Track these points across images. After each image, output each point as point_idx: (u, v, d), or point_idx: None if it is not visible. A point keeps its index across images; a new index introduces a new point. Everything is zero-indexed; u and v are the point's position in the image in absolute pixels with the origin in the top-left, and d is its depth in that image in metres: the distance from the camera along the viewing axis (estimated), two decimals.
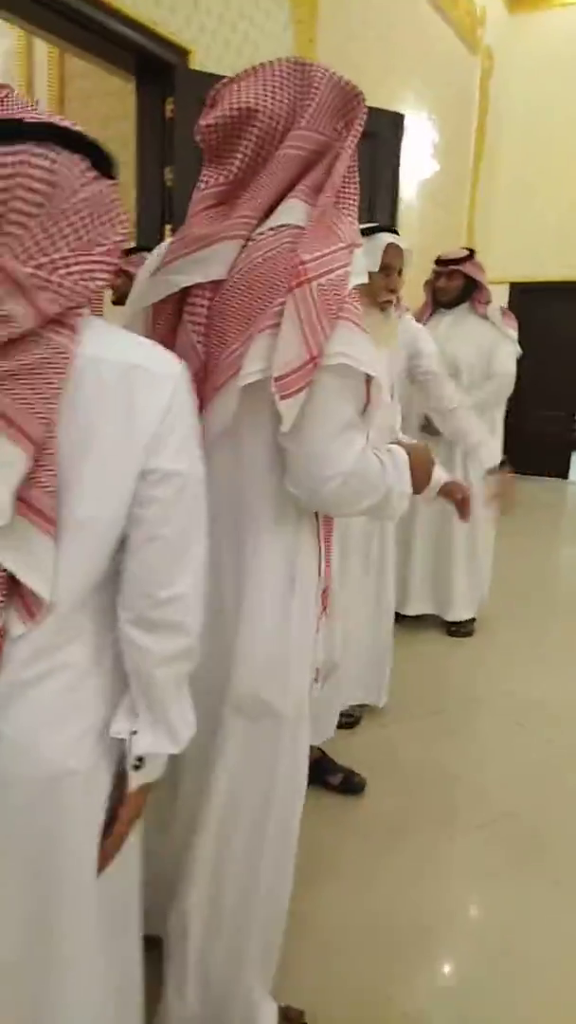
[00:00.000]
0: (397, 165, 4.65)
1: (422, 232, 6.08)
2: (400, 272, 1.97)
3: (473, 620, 3.72)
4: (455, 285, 3.48)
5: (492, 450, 2.59)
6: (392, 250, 1.92)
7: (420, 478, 1.29)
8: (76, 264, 0.77)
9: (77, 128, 0.77)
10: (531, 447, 8.64)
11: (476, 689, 3.12)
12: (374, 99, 1.53)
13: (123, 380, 0.81)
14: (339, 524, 1.73)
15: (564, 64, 7.48)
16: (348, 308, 1.06)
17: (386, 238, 1.93)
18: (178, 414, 0.86)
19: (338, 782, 2.28)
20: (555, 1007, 1.58)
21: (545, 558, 5.52)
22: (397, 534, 2.68)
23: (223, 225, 1.12)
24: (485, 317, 3.48)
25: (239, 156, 1.12)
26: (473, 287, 3.49)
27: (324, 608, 1.33)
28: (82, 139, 0.77)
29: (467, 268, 3.44)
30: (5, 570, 0.78)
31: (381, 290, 1.92)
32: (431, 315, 3.61)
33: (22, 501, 0.76)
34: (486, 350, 3.50)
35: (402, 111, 5.16)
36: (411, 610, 3.62)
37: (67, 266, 0.76)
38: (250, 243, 1.12)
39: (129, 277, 2.82)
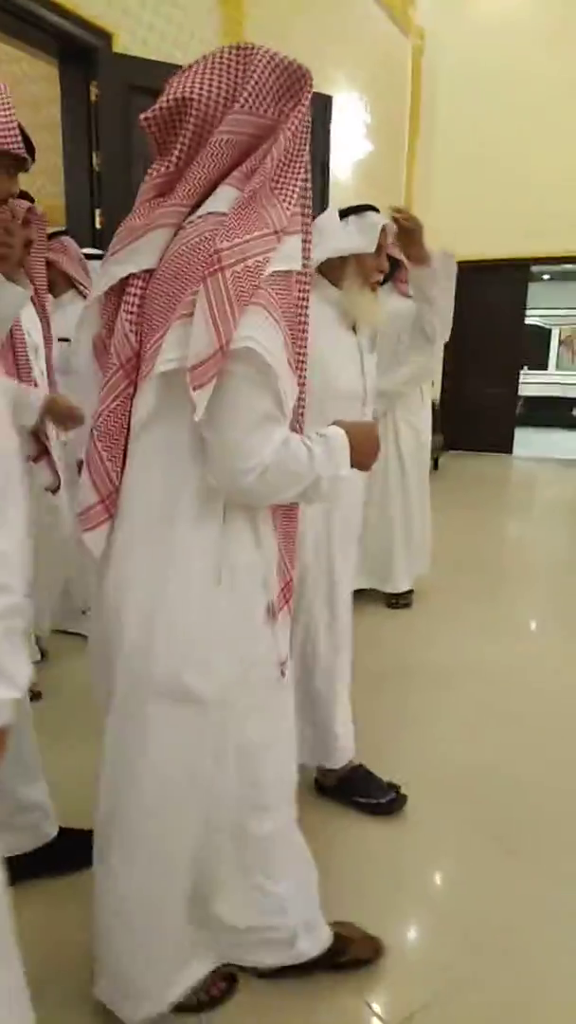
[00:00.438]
0: (327, 147, 4.70)
1: None
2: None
3: (411, 592, 3.83)
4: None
5: None
6: (385, 230, 1.93)
7: (365, 456, 1.30)
8: None
9: None
10: (475, 423, 8.84)
11: (412, 656, 3.22)
12: None
13: None
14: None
15: (496, 42, 7.57)
16: (263, 294, 1.04)
17: (379, 218, 1.92)
18: None
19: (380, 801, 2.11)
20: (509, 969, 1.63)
21: (487, 531, 5.66)
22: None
23: (155, 214, 1.13)
24: (407, 296, 3.55)
25: (178, 146, 1.13)
26: (395, 267, 3.55)
27: (286, 603, 1.31)
28: None
29: (389, 248, 3.49)
30: None
31: (373, 271, 1.91)
32: None
33: None
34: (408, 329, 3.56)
35: (334, 93, 5.22)
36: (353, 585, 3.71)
37: None
38: (180, 231, 1.13)
39: (51, 265, 2.82)
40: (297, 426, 1.25)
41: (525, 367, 9.83)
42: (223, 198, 1.11)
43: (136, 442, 1.19)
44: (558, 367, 14.38)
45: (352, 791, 2.11)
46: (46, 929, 1.62)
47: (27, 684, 0.94)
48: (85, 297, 2.98)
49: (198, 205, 1.14)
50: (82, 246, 3.18)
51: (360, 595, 3.67)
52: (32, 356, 2.38)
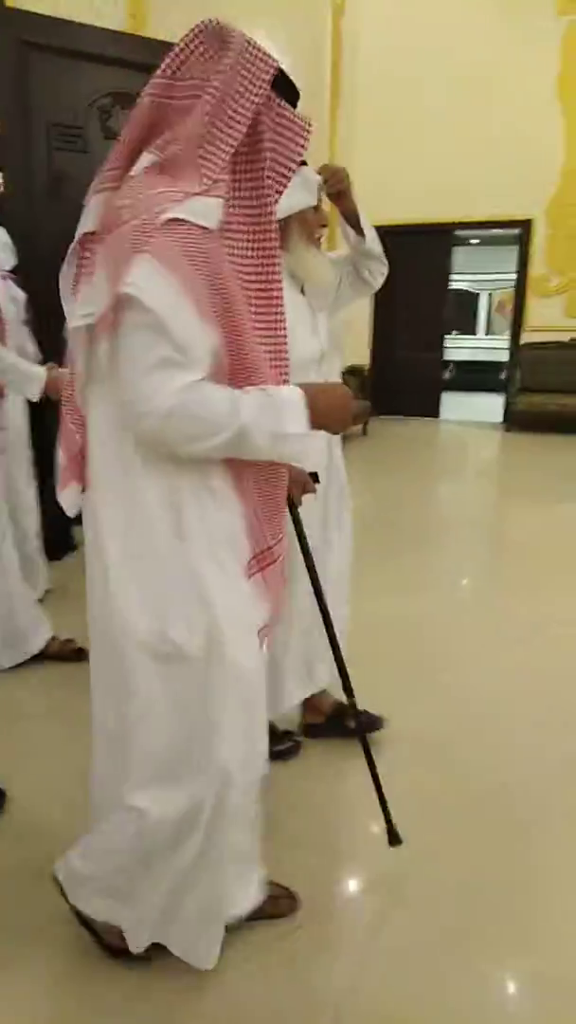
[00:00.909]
0: None
1: None
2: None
3: None
4: None
5: None
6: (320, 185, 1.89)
7: (331, 418, 1.24)
8: None
9: None
10: (403, 388, 8.96)
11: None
12: None
13: None
14: None
15: (418, 2, 7.55)
16: (154, 243, 1.04)
17: (314, 173, 1.87)
18: None
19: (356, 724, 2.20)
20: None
21: (413, 493, 5.77)
22: None
23: (95, 180, 1.17)
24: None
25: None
26: None
27: (264, 566, 1.30)
28: None
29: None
30: None
31: (315, 226, 1.89)
32: None
33: None
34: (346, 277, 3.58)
35: None
36: None
37: None
38: (116, 193, 1.16)
39: None
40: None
41: (454, 332, 9.99)
42: (144, 162, 1.14)
43: (87, 401, 1.23)
44: (488, 332, 14.60)
45: None
46: None
47: None
48: None
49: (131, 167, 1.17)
50: None
51: None
52: None
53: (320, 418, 1.21)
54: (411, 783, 2.05)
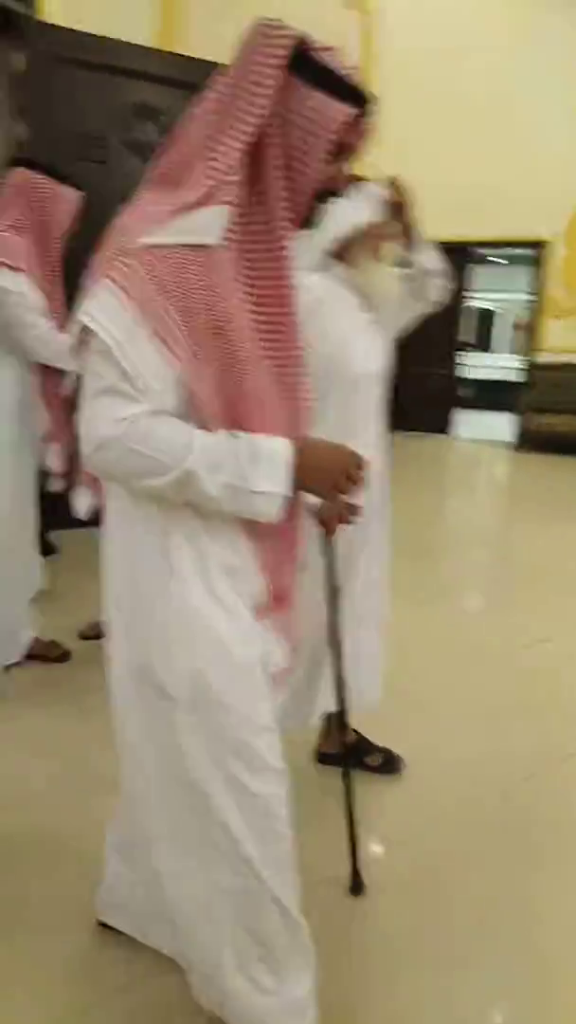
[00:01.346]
0: None
1: None
2: None
3: None
4: None
5: None
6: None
7: (322, 482, 1.13)
8: None
9: None
10: (414, 405, 8.96)
11: None
12: None
13: None
14: None
15: (446, 19, 7.61)
16: (117, 271, 0.99)
17: (377, 188, 1.81)
18: None
19: (378, 763, 2.17)
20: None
21: (422, 508, 5.78)
22: None
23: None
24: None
25: None
26: None
27: (276, 606, 1.23)
28: None
29: None
30: None
31: (379, 241, 1.81)
32: None
33: None
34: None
35: None
36: None
37: None
38: None
39: None
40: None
41: (469, 350, 9.96)
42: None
43: None
44: (507, 350, 14.54)
45: None
46: None
47: None
48: None
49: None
50: None
51: None
52: None
53: (307, 479, 1.10)
54: (409, 791, 2.09)
